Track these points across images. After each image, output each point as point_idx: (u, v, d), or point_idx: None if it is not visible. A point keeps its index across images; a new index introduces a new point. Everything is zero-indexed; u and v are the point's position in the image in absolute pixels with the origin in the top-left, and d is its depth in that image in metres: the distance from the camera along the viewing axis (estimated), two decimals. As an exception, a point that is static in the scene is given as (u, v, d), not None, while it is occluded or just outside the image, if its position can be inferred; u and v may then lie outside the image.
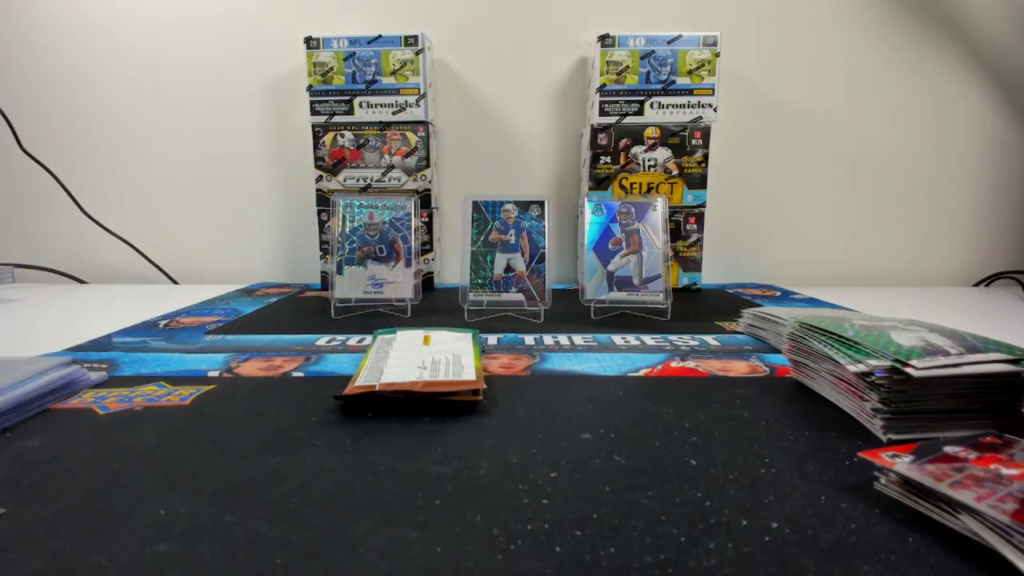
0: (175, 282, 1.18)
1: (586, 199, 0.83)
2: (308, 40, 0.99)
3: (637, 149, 1.01)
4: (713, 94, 0.99)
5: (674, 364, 0.60)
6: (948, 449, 0.35)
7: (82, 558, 0.29)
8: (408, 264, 0.82)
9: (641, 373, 0.57)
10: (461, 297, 0.78)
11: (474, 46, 1.13)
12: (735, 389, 0.52)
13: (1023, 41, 1.11)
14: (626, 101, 1.00)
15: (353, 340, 0.69)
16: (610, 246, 0.80)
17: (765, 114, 1.14)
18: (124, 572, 0.28)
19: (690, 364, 0.60)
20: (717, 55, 0.98)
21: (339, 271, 0.81)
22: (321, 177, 1.03)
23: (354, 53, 0.99)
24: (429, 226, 1.04)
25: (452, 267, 1.18)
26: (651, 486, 0.35)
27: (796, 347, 0.53)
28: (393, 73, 0.99)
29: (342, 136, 1.02)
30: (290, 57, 1.13)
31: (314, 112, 1.01)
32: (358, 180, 1.03)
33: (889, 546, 0.29)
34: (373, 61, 0.99)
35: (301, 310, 0.88)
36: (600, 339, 0.70)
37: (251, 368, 0.59)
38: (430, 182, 1.03)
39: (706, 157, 1.01)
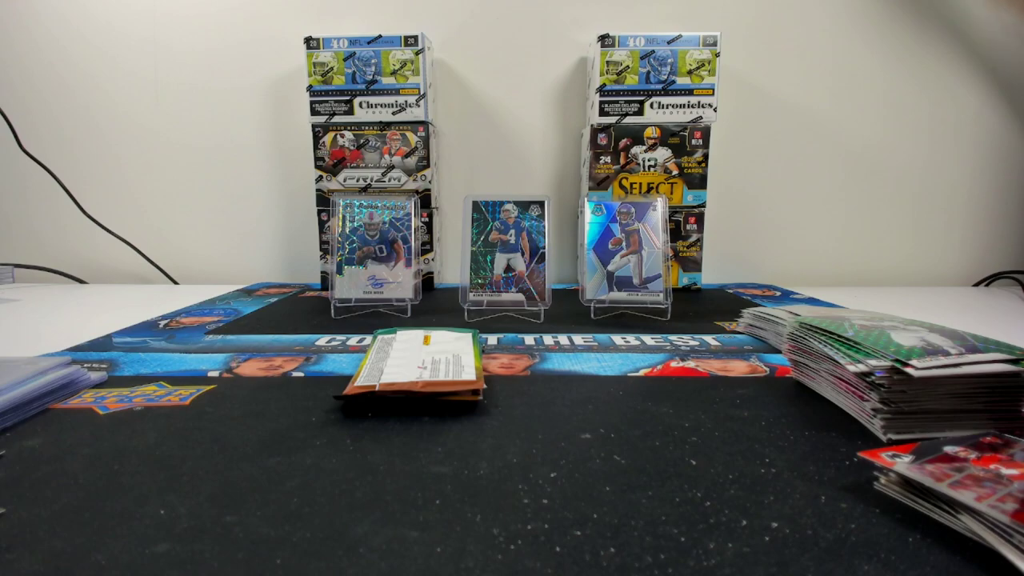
0: (175, 282, 1.18)
1: (586, 199, 0.83)
2: (308, 40, 0.99)
3: (637, 149, 1.01)
4: (713, 94, 0.99)
5: (674, 364, 0.60)
6: (948, 449, 0.35)
7: (82, 558, 0.29)
8: (408, 264, 0.82)
9: (641, 373, 0.57)
10: (461, 297, 0.78)
11: (474, 46, 1.13)
12: (735, 389, 0.52)
13: (1021, 39, 1.11)
14: (626, 101, 1.00)
15: (353, 340, 0.69)
16: (610, 246, 0.80)
17: (765, 114, 1.14)
18: (124, 572, 0.28)
19: (690, 364, 0.60)
20: (717, 55, 0.98)
21: (339, 271, 0.81)
22: (321, 177, 1.03)
23: (354, 53, 0.99)
24: (429, 226, 1.04)
25: (452, 267, 1.18)
26: (651, 486, 0.35)
27: (796, 347, 0.53)
28: (393, 73, 0.99)
29: (342, 136, 1.02)
30: (290, 57, 1.13)
31: (314, 112, 1.01)
32: (358, 180, 1.03)
33: (889, 546, 0.29)
34: (373, 61, 0.99)
35: (301, 310, 0.87)
36: (600, 339, 0.70)
37: (251, 368, 0.59)
38: (430, 182, 1.03)
39: (706, 157, 1.01)
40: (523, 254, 0.79)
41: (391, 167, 1.02)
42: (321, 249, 1.05)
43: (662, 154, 1.01)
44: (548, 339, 0.70)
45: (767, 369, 0.58)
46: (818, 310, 0.66)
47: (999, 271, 1.17)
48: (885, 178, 1.16)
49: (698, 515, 0.32)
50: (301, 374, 0.57)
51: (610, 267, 0.79)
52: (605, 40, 0.98)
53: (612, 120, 1.00)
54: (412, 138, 1.01)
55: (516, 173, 1.17)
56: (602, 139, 1.01)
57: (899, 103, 1.13)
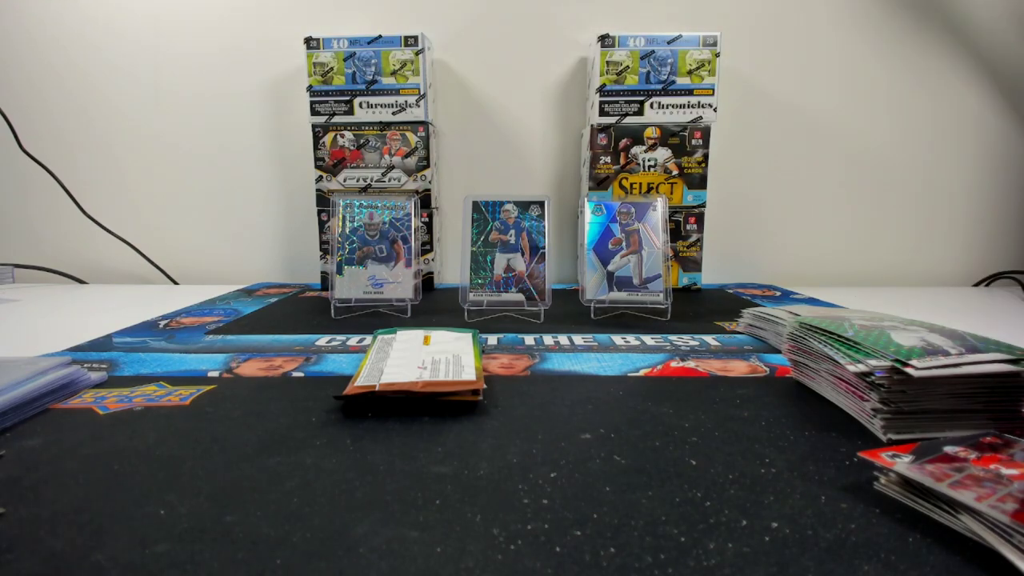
0: (175, 282, 1.18)
1: (586, 199, 0.83)
2: (308, 40, 0.99)
3: (637, 149, 1.01)
4: (713, 94, 0.99)
5: (674, 364, 0.60)
6: (948, 449, 0.35)
7: (82, 558, 0.29)
8: (408, 264, 0.82)
9: (641, 373, 0.57)
10: (461, 297, 0.78)
11: (474, 46, 1.13)
12: (735, 389, 0.52)
13: (1023, 40, 1.11)
14: (626, 101, 1.00)
15: (353, 340, 0.69)
16: (610, 246, 0.80)
17: (765, 114, 1.14)
18: (124, 572, 0.28)
19: (690, 364, 0.60)
20: (717, 55, 0.98)
21: (339, 271, 0.81)
22: (321, 177, 1.03)
23: (354, 53, 0.99)
24: (429, 226, 1.04)
25: (452, 267, 1.18)
26: (651, 486, 0.35)
27: (796, 347, 0.53)
28: (393, 73, 0.99)
29: (342, 136, 1.02)
30: (290, 57, 1.13)
31: (314, 112, 1.01)
32: (358, 180, 1.03)
33: (889, 546, 0.29)
34: (373, 61, 0.99)
35: (301, 310, 0.87)
36: (600, 339, 0.70)
37: (251, 368, 0.59)
38: (430, 182, 1.03)
39: (706, 157, 1.01)
40: (523, 254, 0.79)
41: (391, 167, 1.02)
42: (321, 249, 1.05)
43: (662, 154, 1.01)
44: (548, 339, 0.70)
45: (767, 369, 0.58)
46: (818, 310, 0.66)
47: (999, 271, 1.17)
48: (885, 178, 1.16)
49: (698, 515, 0.32)
50: (301, 374, 0.57)
51: (610, 267, 0.79)
52: (605, 40, 0.98)
53: (612, 120, 1.00)
54: (412, 138, 1.01)
55: (516, 173, 1.17)
56: (602, 139, 1.01)
57: (898, 102, 1.13)
